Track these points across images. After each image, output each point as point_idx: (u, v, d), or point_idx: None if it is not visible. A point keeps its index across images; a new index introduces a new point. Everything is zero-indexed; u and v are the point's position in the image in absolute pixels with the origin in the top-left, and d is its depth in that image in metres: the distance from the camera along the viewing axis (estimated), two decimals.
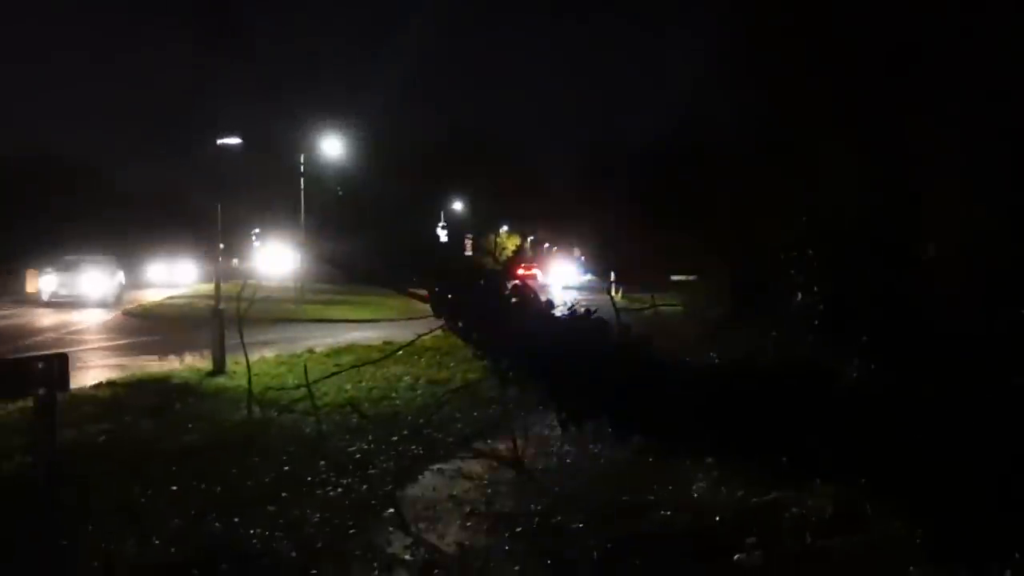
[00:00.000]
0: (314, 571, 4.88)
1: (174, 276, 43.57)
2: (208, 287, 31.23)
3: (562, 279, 52.08)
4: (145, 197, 59.12)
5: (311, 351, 15.16)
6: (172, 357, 14.06)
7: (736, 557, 4.96)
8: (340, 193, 41.31)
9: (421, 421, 8.55)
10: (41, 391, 4.16)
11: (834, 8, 9.68)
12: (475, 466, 7.19)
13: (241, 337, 8.98)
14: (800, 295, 8.89)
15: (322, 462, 6.98)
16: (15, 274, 35.06)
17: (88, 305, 26.70)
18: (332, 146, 38.04)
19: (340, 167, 40.22)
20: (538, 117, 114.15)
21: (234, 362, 11.99)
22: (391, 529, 5.64)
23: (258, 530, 5.41)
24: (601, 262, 45.98)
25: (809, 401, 5.40)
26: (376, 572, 4.90)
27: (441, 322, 6.34)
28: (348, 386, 10.59)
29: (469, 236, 52.45)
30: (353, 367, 10.35)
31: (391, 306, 27.43)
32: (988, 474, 4.95)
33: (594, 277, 50.54)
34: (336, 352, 15.02)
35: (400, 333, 11.35)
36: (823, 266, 8.88)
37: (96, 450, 7.32)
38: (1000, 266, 7.35)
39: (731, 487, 6.11)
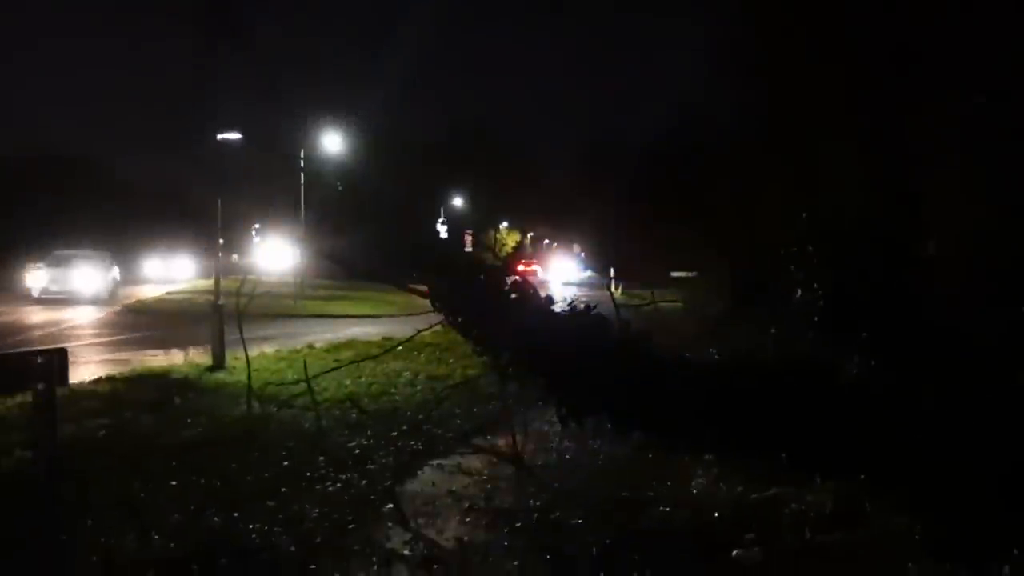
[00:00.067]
0: (313, 566, 4.88)
1: (171, 272, 43.14)
2: (207, 283, 31.21)
3: (562, 275, 52.07)
4: (145, 192, 59.13)
5: (311, 346, 15.16)
6: (172, 352, 14.06)
7: (735, 553, 4.97)
8: (340, 188, 41.30)
9: (420, 417, 8.55)
10: (40, 386, 4.15)
11: (836, 7, 9.67)
12: (474, 462, 7.19)
13: (241, 332, 8.99)
14: (800, 292, 8.90)
15: (321, 457, 6.98)
16: (9, 269, 34.21)
17: (80, 302, 25.88)
18: (332, 142, 38.02)
19: (340, 163, 40.21)
20: (538, 113, 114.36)
21: (234, 357, 11.99)
22: (390, 524, 5.65)
23: (257, 525, 5.41)
24: (601, 258, 46.02)
25: (808, 398, 5.41)
26: (375, 567, 4.91)
27: (441, 318, 6.35)
28: (348, 381, 10.59)
29: (469, 232, 52.40)
30: (353, 363, 10.35)
31: (391, 302, 27.42)
32: (987, 471, 4.96)
33: (594, 273, 50.52)
34: (336, 347, 15.03)
35: (400, 329, 11.32)
36: (823, 263, 8.88)
37: (96, 445, 7.32)
38: (1000, 265, 7.36)
39: (730, 483, 6.12)
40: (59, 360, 4.24)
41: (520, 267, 44.85)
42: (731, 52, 13.16)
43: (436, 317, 6.46)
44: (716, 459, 6.32)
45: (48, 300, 25.84)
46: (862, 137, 8.87)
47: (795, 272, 9.09)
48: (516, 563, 5.01)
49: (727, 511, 5.68)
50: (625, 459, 7.05)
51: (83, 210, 45.72)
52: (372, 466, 6.92)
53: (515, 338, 5.75)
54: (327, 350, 14.66)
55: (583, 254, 63.68)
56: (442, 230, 52.25)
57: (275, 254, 41.00)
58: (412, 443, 7.71)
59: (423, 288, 6.27)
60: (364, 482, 6.48)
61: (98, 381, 10.68)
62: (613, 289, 24.66)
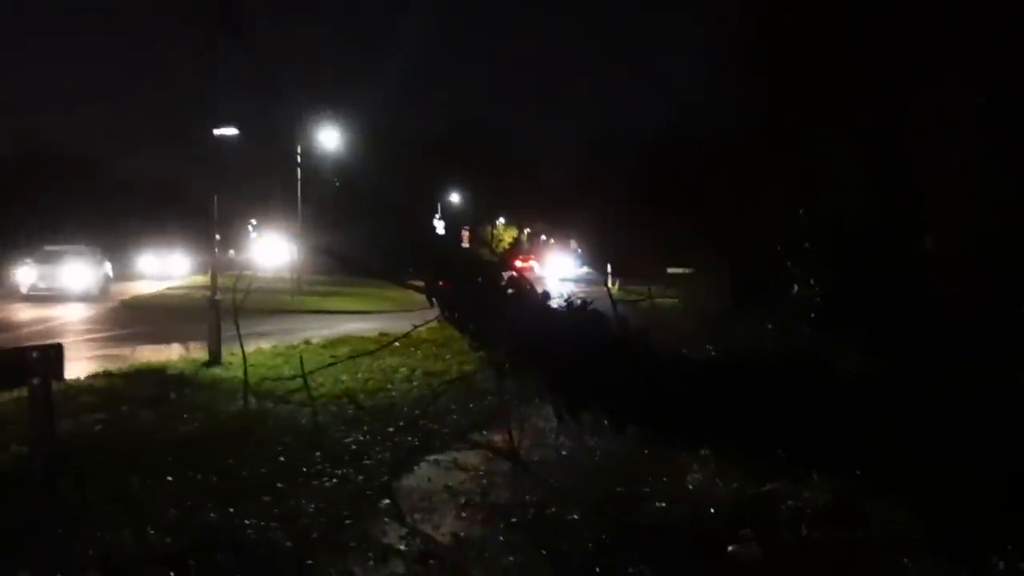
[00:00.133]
0: (309, 561, 4.88)
1: (167, 268, 42.72)
2: (204, 279, 31.08)
3: (559, 271, 52.08)
4: (142, 188, 58.89)
5: (307, 342, 15.16)
6: (169, 347, 14.05)
7: (731, 549, 4.98)
8: (337, 184, 41.26)
9: (417, 412, 8.55)
10: (36, 381, 4.14)
11: (836, 6, 9.67)
12: (471, 457, 7.19)
13: (237, 328, 8.96)
14: (796, 288, 8.91)
15: (318, 453, 6.98)
16: (2, 266, 32.48)
17: (69, 299, 25.26)
18: (330, 137, 37.97)
19: (338, 159, 40.16)
20: (537, 110, 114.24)
21: (230, 353, 11.98)
22: (386, 520, 5.65)
23: (254, 520, 5.41)
24: (598, 254, 46.01)
25: (806, 394, 5.41)
26: (371, 562, 4.91)
27: (437, 314, 6.35)
28: (344, 377, 10.59)
29: (466, 228, 52.44)
30: (349, 358, 10.35)
31: (388, 298, 27.43)
32: (984, 468, 4.97)
33: (591, 269, 50.56)
34: (332, 343, 15.03)
35: (396, 325, 11.36)
36: (820, 260, 8.90)
37: (92, 440, 7.31)
38: (999, 264, 7.37)
39: (727, 479, 6.13)
40: (55, 355, 4.22)
41: (517, 263, 44.89)
42: (731, 50, 13.15)
43: (432, 313, 6.46)
44: (713, 455, 6.31)
45: (36, 297, 25.23)
46: (862, 136, 8.88)
47: (792, 269, 9.11)
48: (512, 558, 5.01)
49: (724, 507, 5.69)
50: (622, 455, 7.05)
51: (79, 206, 45.46)
52: (368, 462, 6.92)
53: (511, 334, 5.74)
54: (323, 346, 14.66)
55: (580, 250, 63.69)
56: (439, 226, 52.26)
57: (272, 250, 40.98)
58: (409, 439, 7.72)
59: (420, 284, 6.27)
60: (360, 477, 6.48)
61: (94, 376, 10.68)
62: (610, 285, 24.64)
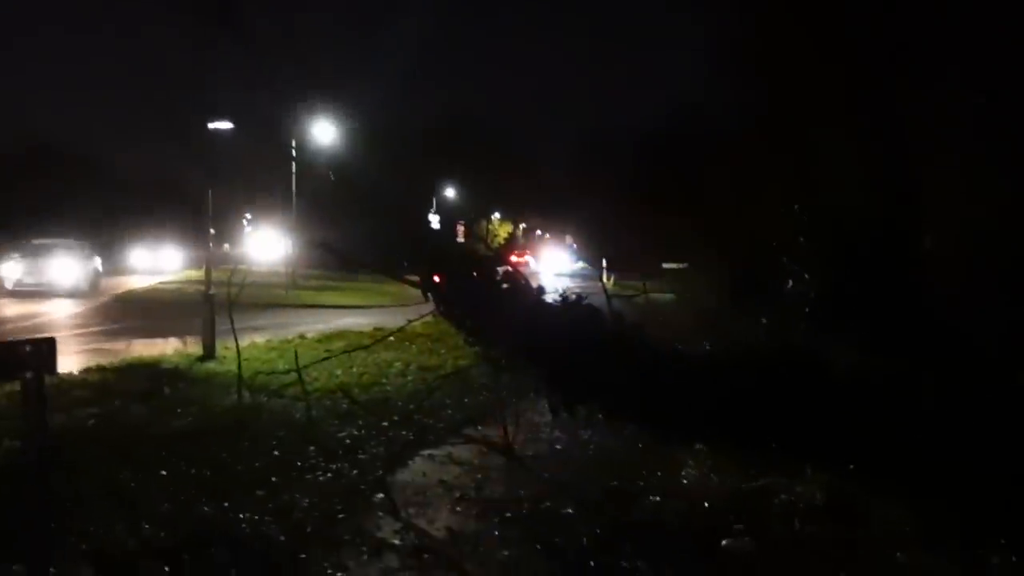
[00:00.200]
0: (303, 556, 4.87)
1: (159, 262, 42.07)
2: (198, 273, 30.97)
3: (554, 266, 52.10)
4: (136, 182, 58.61)
5: (302, 337, 15.13)
6: (163, 342, 14.02)
7: (724, 543, 4.98)
8: (332, 178, 41.18)
9: (412, 407, 8.54)
10: (29, 375, 4.12)
11: (836, 5, 9.67)
12: (465, 452, 7.19)
13: (231, 322, 8.97)
14: (791, 283, 8.92)
15: (312, 447, 6.97)
16: None
17: (58, 294, 24.27)
18: (325, 131, 37.83)
19: (333, 153, 40.03)
20: (532, 104, 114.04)
21: (224, 347, 11.97)
22: (381, 514, 5.64)
23: (248, 515, 5.40)
24: (594, 250, 45.98)
25: (801, 390, 5.42)
26: (365, 557, 4.90)
27: (432, 308, 6.34)
28: (339, 371, 10.57)
29: (462, 223, 52.36)
30: (344, 352, 10.34)
31: (383, 292, 27.43)
32: (977, 463, 4.98)
33: (586, 265, 50.54)
34: (327, 338, 15.00)
35: (392, 319, 11.35)
36: (816, 256, 8.90)
37: (86, 434, 7.29)
38: (998, 262, 7.38)
39: (721, 474, 6.14)
40: (48, 349, 4.19)
41: (513, 258, 44.88)
42: (730, 49, 13.14)
43: (428, 307, 6.46)
44: (707, 449, 6.34)
45: (22, 293, 24.22)
46: (861, 134, 8.87)
47: (787, 263, 9.12)
48: (506, 553, 5.01)
49: (718, 502, 5.70)
50: (617, 450, 7.06)
51: (71, 200, 45.14)
52: (363, 456, 6.92)
53: (507, 329, 5.74)
54: (318, 340, 14.64)
55: (575, 245, 63.68)
56: (434, 220, 52.17)
57: (267, 244, 40.91)
58: (403, 433, 7.71)
59: (415, 279, 6.26)
60: (355, 472, 6.47)
61: (87, 371, 10.64)
62: (605, 280, 24.64)
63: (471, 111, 62.43)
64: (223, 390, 9.40)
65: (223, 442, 7.05)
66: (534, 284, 6.16)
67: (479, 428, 8.11)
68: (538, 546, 5.10)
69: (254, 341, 13.67)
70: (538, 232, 78.16)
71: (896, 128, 8.58)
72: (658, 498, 5.86)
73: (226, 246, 55.04)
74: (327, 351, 11.57)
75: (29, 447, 4.19)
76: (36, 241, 27.32)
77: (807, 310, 8.73)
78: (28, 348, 4.14)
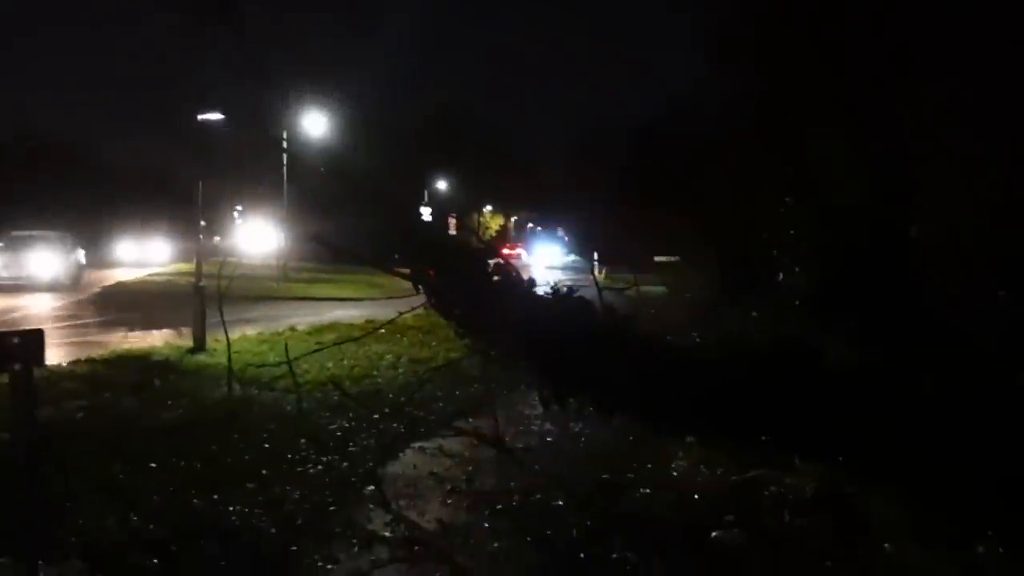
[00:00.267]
0: (294, 548, 4.87)
1: (147, 255, 41.54)
2: (188, 266, 30.77)
3: (546, 259, 52.08)
4: (124, 173, 58.31)
5: (293, 329, 15.11)
6: (153, 334, 13.97)
7: (714, 534, 5.00)
8: (323, 170, 41.05)
9: (403, 399, 8.54)
10: (17, 367, 4.10)
11: None
12: (456, 444, 7.18)
13: (221, 314, 8.90)
14: (782, 276, 8.95)
15: (303, 439, 6.97)
16: None
17: (38, 288, 23.60)
18: (317, 123, 37.70)
19: (325, 145, 39.89)
20: (526, 97, 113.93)
21: (215, 340, 11.93)
22: (371, 506, 5.64)
23: (238, 507, 5.40)
24: (585, 242, 46.00)
25: (790, 381, 5.43)
26: (356, 549, 4.90)
27: (424, 300, 6.33)
28: (330, 364, 10.56)
29: (453, 215, 52.29)
30: (335, 345, 10.31)
31: (375, 285, 27.33)
32: (966, 455, 5.01)
33: (578, 258, 50.56)
34: (318, 330, 14.98)
35: (383, 312, 11.30)
36: (805, 248, 8.93)
37: (75, 427, 7.27)
38: (988, 255, 7.41)
39: (712, 466, 6.16)
40: (36, 341, 4.18)
41: (504, 251, 44.86)
42: (722, 42, 13.14)
43: (419, 300, 6.44)
44: (698, 441, 6.34)
45: (1, 286, 23.41)
46: (852, 129, 8.90)
47: (779, 257, 9.15)
48: (497, 545, 5.02)
49: (708, 494, 5.72)
50: (607, 442, 7.07)
51: (59, 190, 44.72)
52: (354, 448, 6.92)
53: (497, 321, 5.74)
54: (309, 332, 14.61)
55: (567, 238, 63.69)
56: (426, 213, 52.10)
57: (258, 236, 40.74)
58: (394, 425, 7.71)
59: (407, 271, 6.24)
60: (345, 464, 6.47)
61: (76, 363, 10.60)
62: (597, 273, 24.66)
63: (464, 104, 62.26)
64: (213, 382, 9.38)
65: (213, 434, 7.05)
66: (525, 277, 6.15)
67: (470, 420, 8.11)
68: (528, 538, 5.11)
69: (245, 333, 13.63)
70: (530, 225, 78.13)
71: (888, 123, 8.61)
72: (648, 490, 5.88)
73: (216, 238, 54.71)
74: (318, 343, 11.54)
75: (18, 439, 4.17)
76: (16, 233, 26.42)
77: (798, 302, 8.76)
78: (16, 340, 4.12)
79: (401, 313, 6.95)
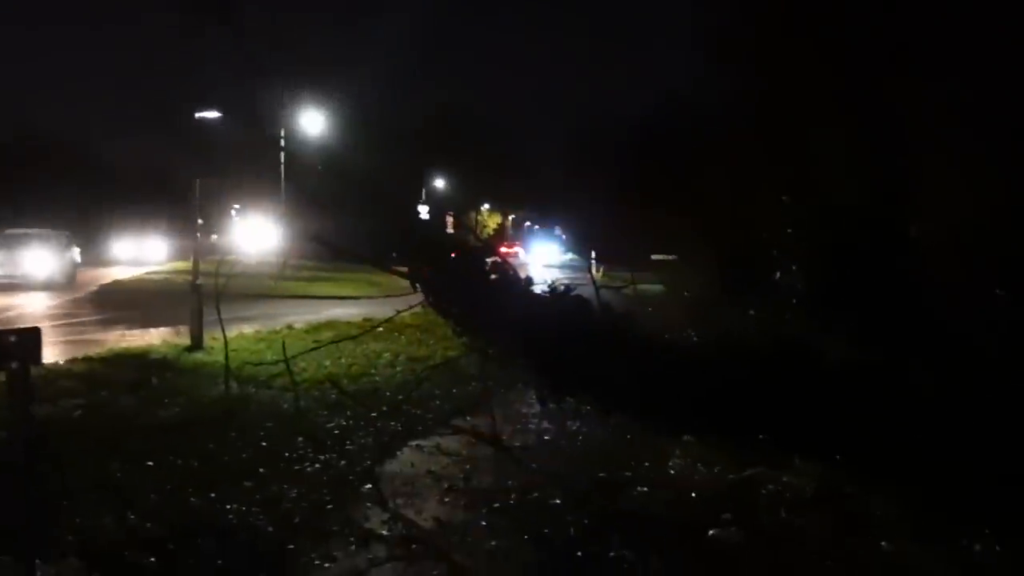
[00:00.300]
0: (291, 546, 4.87)
1: (143, 253, 40.88)
2: (186, 264, 30.63)
3: (543, 258, 52.11)
4: (121, 170, 58.19)
5: (290, 327, 15.09)
6: (151, 332, 13.96)
7: (712, 532, 5.01)
8: (320, 168, 40.99)
9: (400, 397, 8.53)
10: (14, 365, 4.09)
11: None
12: (454, 443, 7.18)
13: (218, 312, 8.92)
14: (779, 275, 8.95)
15: (300, 438, 6.96)
16: None
17: (32, 287, 23.24)
18: (315, 122, 37.70)
19: (323, 143, 39.90)
20: (524, 96, 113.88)
21: (212, 338, 11.91)
22: (369, 505, 5.64)
23: (236, 505, 5.40)
24: (583, 241, 46.02)
25: (787, 380, 5.44)
26: (353, 547, 4.90)
27: (422, 299, 6.33)
28: (327, 362, 10.56)
29: (451, 214, 52.27)
30: (332, 343, 10.30)
31: (373, 283, 27.30)
32: (964, 454, 5.02)
33: (576, 256, 50.59)
34: (315, 328, 14.96)
35: (381, 310, 11.31)
36: (803, 247, 8.93)
37: (72, 425, 7.26)
38: (988, 254, 7.41)
39: (709, 464, 6.16)
40: (33, 339, 4.17)
41: (502, 249, 44.87)
42: (721, 39, 13.13)
43: (417, 298, 6.44)
44: (695, 440, 6.36)
45: None
46: (851, 127, 8.90)
47: (777, 256, 9.15)
48: (495, 543, 5.02)
49: (705, 492, 5.72)
50: (604, 440, 7.08)
51: (56, 188, 44.51)
52: (351, 446, 6.91)
53: (495, 319, 5.74)
54: (307, 331, 14.60)
55: (564, 237, 63.72)
56: (423, 211, 52.05)
57: (256, 234, 40.64)
58: (392, 424, 7.71)
59: (405, 269, 6.24)
60: (343, 462, 6.47)
61: (73, 361, 10.59)
62: (594, 271, 24.63)
63: (463, 103, 62.22)
64: (211, 381, 9.37)
65: (211, 433, 7.04)
66: (523, 275, 6.15)
67: (468, 419, 8.10)
68: (526, 536, 5.11)
69: (242, 332, 13.62)
70: (528, 224, 78.15)
71: (887, 122, 8.61)
72: (646, 488, 5.88)
73: (214, 236, 54.65)
74: (315, 341, 11.53)
75: (15, 438, 4.16)
76: (10, 231, 26.24)
77: (795, 302, 8.76)
78: (13, 338, 4.11)
79: (399, 311, 6.95)
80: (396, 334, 13.24)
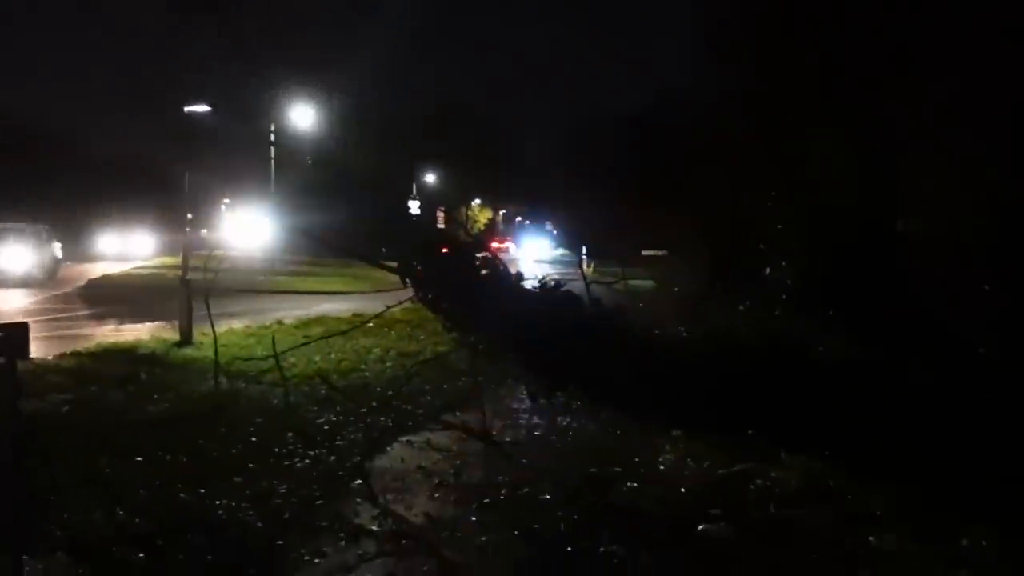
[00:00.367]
0: (281, 542, 4.86)
1: (129, 248, 40.71)
2: (171, 260, 30.50)
3: (534, 253, 52.17)
4: (108, 163, 57.56)
5: (280, 322, 15.05)
6: (139, 327, 13.90)
7: (701, 528, 5.02)
8: (310, 163, 40.84)
9: (390, 393, 8.52)
10: (1, 360, 4.08)
11: None
12: (444, 438, 7.19)
13: (207, 307, 8.88)
14: (769, 270, 8.97)
15: (290, 433, 6.95)
16: None
17: (10, 284, 22.53)
18: (306, 116, 37.55)
19: (314, 138, 39.75)
20: (517, 91, 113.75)
21: (201, 333, 11.87)
22: (359, 500, 5.64)
23: (225, 501, 5.38)
24: (574, 236, 46.07)
25: (776, 375, 5.46)
26: (343, 543, 4.90)
27: (411, 294, 6.33)
28: (317, 358, 10.53)
29: (442, 209, 52.20)
30: (322, 338, 10.30)
31: (363, 278, 27.28)
32: (950, 448, 5.05)
33: (566, 251, 50.64)
34: (306, 324, 14.93)
35: (371, 305, 11.27)
36: (793, 242, 8.96)
37: (61, 421, 7.23)
38: (976, 249, 7.45)
39: (698, 460, 6.18)
40: (20, 334, 4.15)
41: (493, 244, 44.87)
42: (714, 35, 13.14)
43: (407, 294, 6.43)
44: (684, 435, 6.38)
45: None
46: (841, 123, 8.93)
47: (766, 251, 9.18)
48: (485, 538, 5.02)
49: (694, 487, 5.74)
50: (594, 435, 7.09)
51: (40, 182, 43.88)
52: (341, 442, 6.90)
53: (485, 315, 5.74)
54: (297, 326, 14.56)
55: (555, 232, 63.76)
56: (414, 206, 51.95)
57: (246, 229, 40.47)
58: (382, 419, 7.69)
59: (395, 264, 6.23)
60: (333, 458, 6.46)
61: (62, 356, 10.54)
62: (585, 267, 24.69)
63: (454, 98, 62.03)
64: (200, 376, 9.34)
65: (200, 428, 7.02)
66: (513, 270, 6.16)
67: (458, 414, 8.10)
68: (516, 531, 5.11)
69: (232, 327, 13.58)
70: (518, 219, 78.16)
71: (876, 117, 8.64)
72: (636, 484, 5.89)
73: (204, 231, 54.35)
74: (305, 337, 11.52)
75: (2, 433, 4.15)
76: None
77: (785, 297, 8.80)
78: (0, 333, 4.10)
79: (389, 307, 6.95)
80: (386, 329, 13.23)
